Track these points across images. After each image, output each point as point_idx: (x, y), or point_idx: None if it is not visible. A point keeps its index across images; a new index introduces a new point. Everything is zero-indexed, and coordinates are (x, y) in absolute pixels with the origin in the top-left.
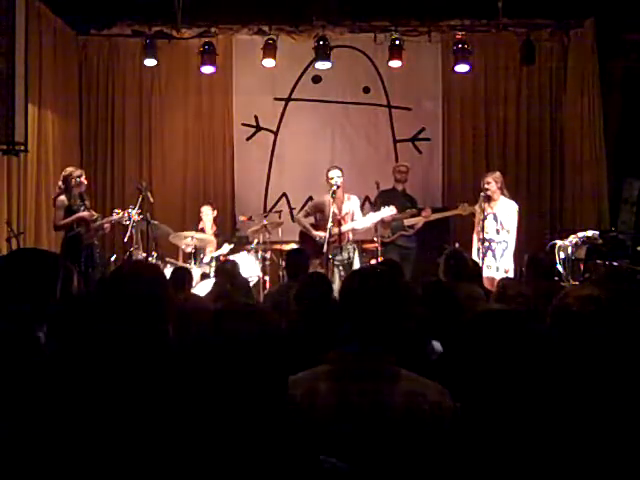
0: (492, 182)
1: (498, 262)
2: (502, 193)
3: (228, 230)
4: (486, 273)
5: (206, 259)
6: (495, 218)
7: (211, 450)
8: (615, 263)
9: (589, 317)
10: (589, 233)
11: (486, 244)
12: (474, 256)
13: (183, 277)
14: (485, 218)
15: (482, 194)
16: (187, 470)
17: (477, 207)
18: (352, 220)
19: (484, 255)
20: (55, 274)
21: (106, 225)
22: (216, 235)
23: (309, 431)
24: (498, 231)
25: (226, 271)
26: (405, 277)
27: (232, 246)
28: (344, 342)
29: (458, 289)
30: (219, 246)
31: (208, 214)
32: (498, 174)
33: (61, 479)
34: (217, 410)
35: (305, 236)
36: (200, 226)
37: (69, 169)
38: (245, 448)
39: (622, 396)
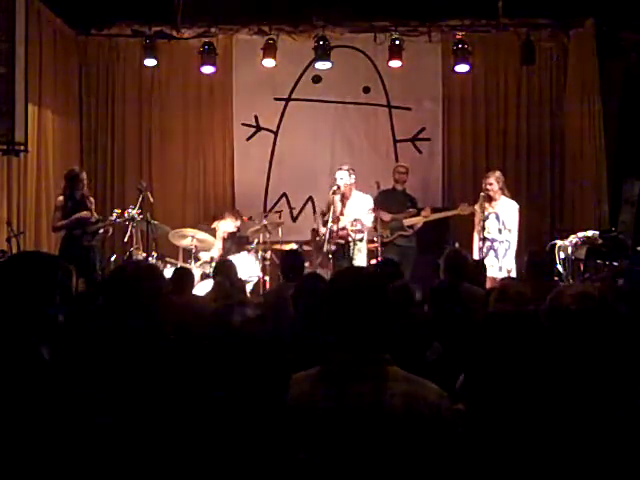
0: (494, 182)
1: (501, 262)
2: (503, 193)
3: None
4: (489, 273)
5: (205, 257)
6: (497, 218)
7: (209, 446)
8: (615, 263)
9: (586, 315)
10: (589, 233)
11: (488, 244)
12: (475, 256)
13: (184, 278)
14: (487, 218)
15: (482, 194)
16: (185, 466)
17: (477, 207)
18: (354, 220)
19: (486, 255)
20: (53, 278)
21: (108, 227)
22: (224, 239)
23: (306, 432)
24: (500, 231)
25: (225, 270)
26: (404, 277)
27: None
28: (340, 343)
29: (458, 289)
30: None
31: (233, 224)
32: (499, 174)
33: (61, 476)
34: (216, 408)
35: (314, 232)
36: (213, 225)
37: (70, 169)
38: (242, 444)
39: (619, 392)
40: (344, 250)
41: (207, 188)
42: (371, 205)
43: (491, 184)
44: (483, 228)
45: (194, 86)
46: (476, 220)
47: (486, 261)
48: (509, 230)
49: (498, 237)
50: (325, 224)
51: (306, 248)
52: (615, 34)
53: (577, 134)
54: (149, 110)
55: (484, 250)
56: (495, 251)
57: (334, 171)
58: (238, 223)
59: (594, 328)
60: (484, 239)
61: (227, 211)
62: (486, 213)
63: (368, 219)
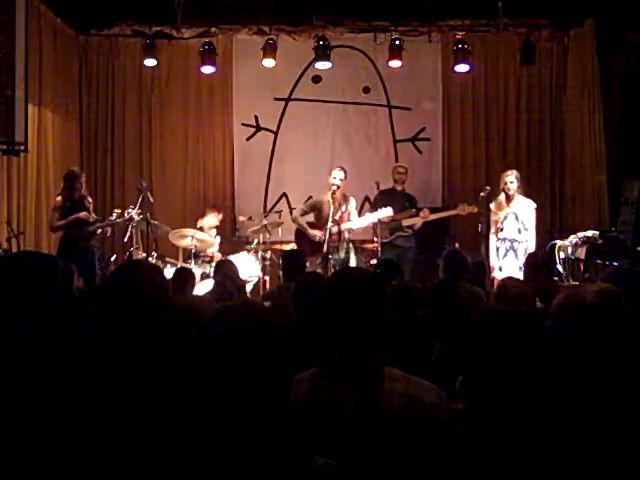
0: (515, 181)
1: (521, 261)
2: (519, 192)
3: (228, 230)
4: (508, 272)
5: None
6: (517, 218)
7: (211, 448)
8: (615, 263)
9: (613, 311)
10: (589, 233)
11: (507, 244)
12: (492, 256)
13: (185, 278)
14: (505, 218)
15: (485, 193)
16: (187, 468)
17: (493, 206)
18: (348, 220)
19: (504, 256)
20: (54, 278)
21: (107, 228)
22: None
23: (305, 431)
24: (520, 230)
25: (225, 270)
26: (404, 277)
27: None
28: (338, 343)
29: (458, 289)
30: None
31: (216, 218)
32: (517, 172)
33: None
34: (219, 409)
35: (301, 235)
36: (199, 224)
37: (69, 169)
38: (245, 446)
39: (621, 392)
40: (338, 250)
41: (207, 188)
42: (354, 207)
43: (512, 182)
44: (487, 228)
45: (194, 86)
46: (491, 220)
47: (506, 262)
48: (527, 230)
49: (518, 237)
50: (314, 225)
51: None
52: (615, 34)
53: (577, 134)
54: (149, 110)
55: (504, 250)
56: (515, 251)
57: None
58: (220, 216)
59: (619, 324)
60: (502, 239)
61: (207, 207)
62: (504, 213)
63: (359, 221)
